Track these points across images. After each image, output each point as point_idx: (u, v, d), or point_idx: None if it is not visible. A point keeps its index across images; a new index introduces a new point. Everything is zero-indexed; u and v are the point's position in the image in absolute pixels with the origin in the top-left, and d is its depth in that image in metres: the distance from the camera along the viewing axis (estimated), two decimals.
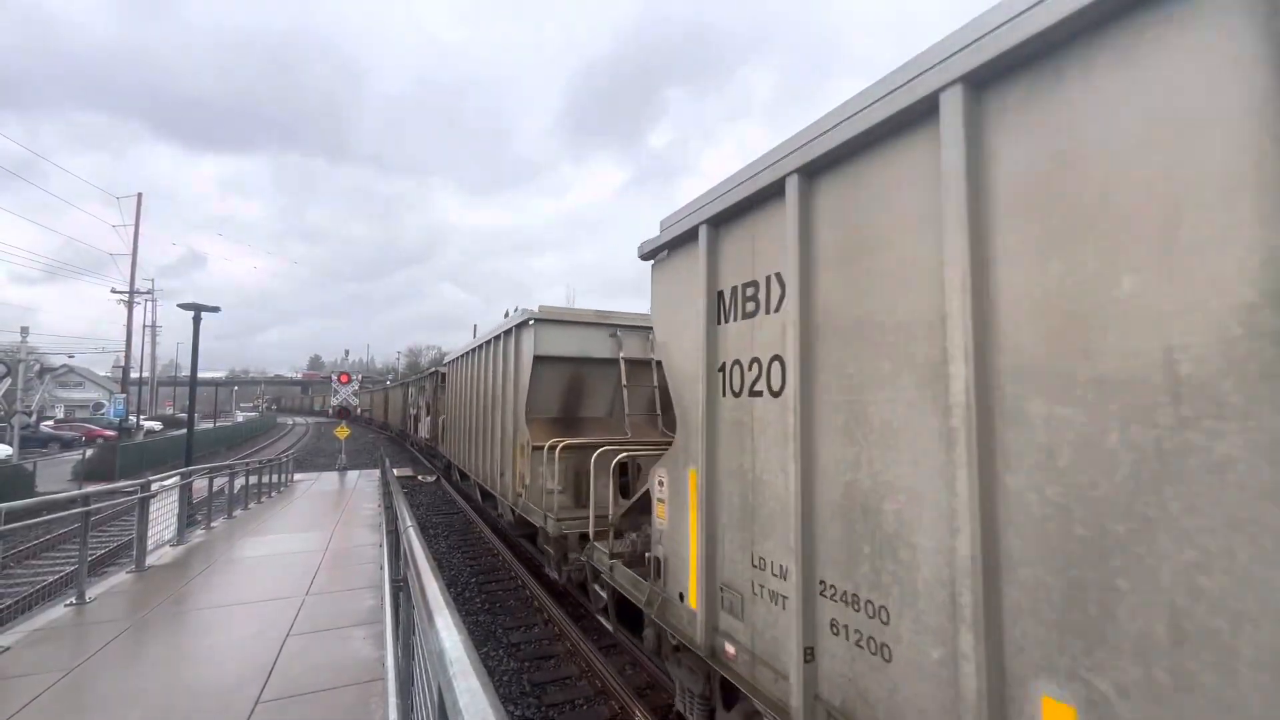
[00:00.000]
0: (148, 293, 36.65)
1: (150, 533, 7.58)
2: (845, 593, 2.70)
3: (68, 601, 5.90)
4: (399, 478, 16.88)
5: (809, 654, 2.85)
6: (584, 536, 6.34)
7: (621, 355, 8.36)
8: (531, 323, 8.10)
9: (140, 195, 31.65)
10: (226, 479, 11.26)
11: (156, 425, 42.69)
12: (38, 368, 31.41)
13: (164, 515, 8.58)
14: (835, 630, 2.75)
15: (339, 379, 22.13)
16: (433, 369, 22.35)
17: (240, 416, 67.32)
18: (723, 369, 3.62)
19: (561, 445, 7.36)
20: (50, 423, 40.14)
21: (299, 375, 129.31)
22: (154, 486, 7.78)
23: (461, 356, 13.29)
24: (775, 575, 3.13)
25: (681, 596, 4.05)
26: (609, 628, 5.98)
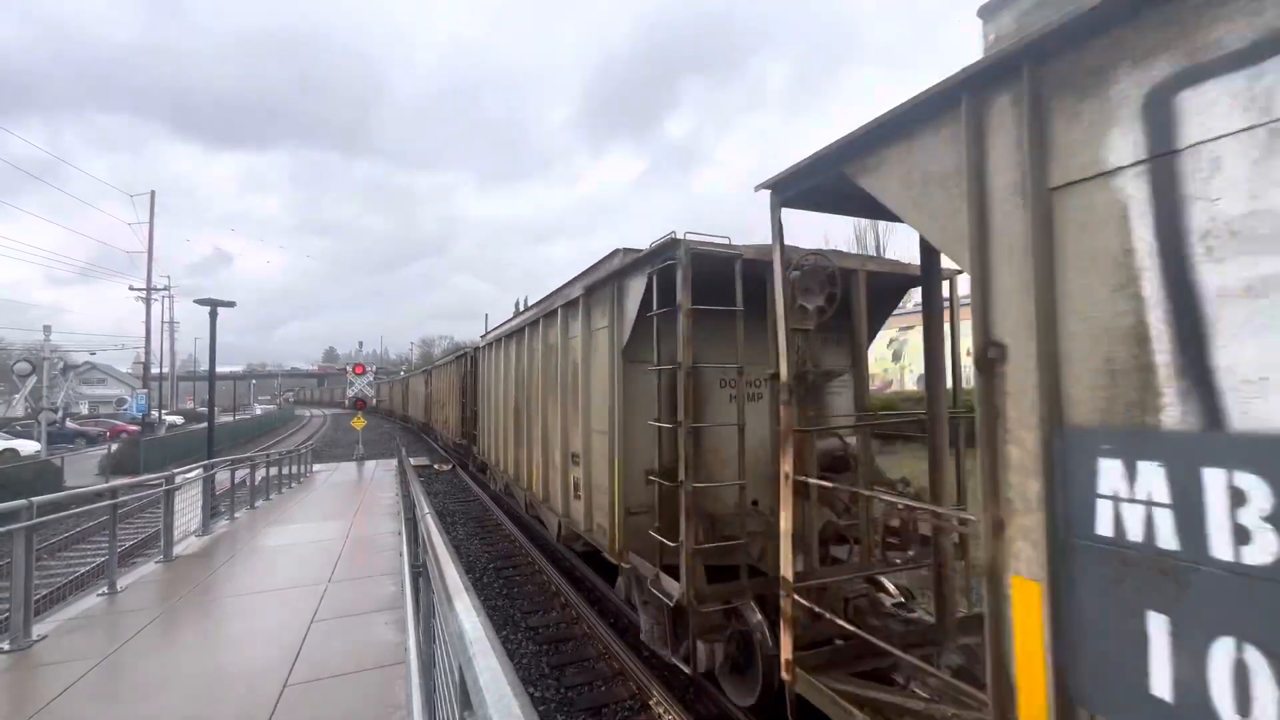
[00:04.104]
0: (165, 289, 37.14)
1: (176, 524, 7.77)
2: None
3: (99, 591, 6.08)
4: (415, 467, 17.11)
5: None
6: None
7: None
8: None
9: (154, 193, 31.97)
10: (248, 471, 11.48)
11: (178, 419, 43.47)
12: (61, 365, 32.06)
13: (189, 507, 8.79)
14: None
15: (354, 371, 22.39)
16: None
17: (259, 409, 68.34)
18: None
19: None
20: (74, 419, 41.01)
21: (314, 368, 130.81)
22: (178, 479, 7.96)
23: None
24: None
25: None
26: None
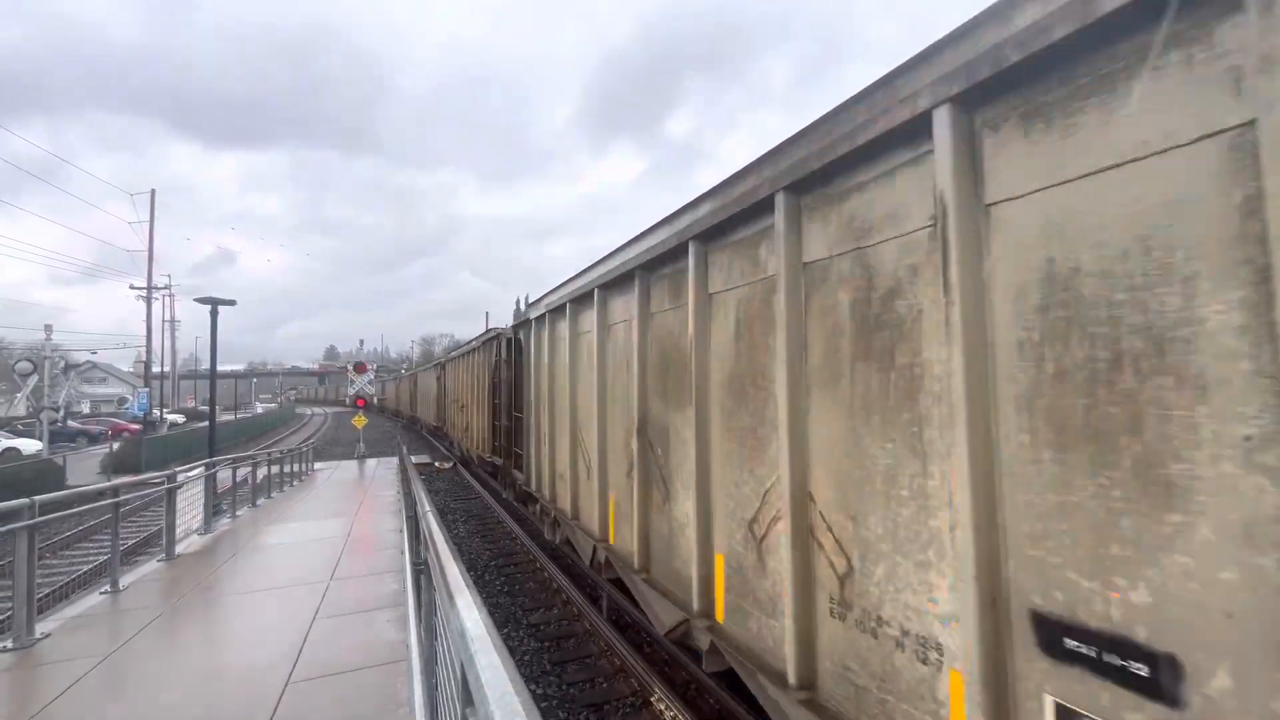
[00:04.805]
0: (166, 288, 37.17)
1: (178, 522, 7.78)
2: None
3: (102, 589, 6.09)
4: (416, 465, 17.13)
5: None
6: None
7: None
8: None
9: (154, 191, 32.01)
10: (249, 469, 11.50)
11: (179, 418, 43.54)
12: (63, 364, 32.11)
13: (191, 505, 8.80)
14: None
15: (355, 369, 22.42)
16: None
17: (260, 408, 68.43)
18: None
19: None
20: (75, 418, 41.06)
21: (315, 367, 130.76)
22: (180, 478, 7.97)
23: None
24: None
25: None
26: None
